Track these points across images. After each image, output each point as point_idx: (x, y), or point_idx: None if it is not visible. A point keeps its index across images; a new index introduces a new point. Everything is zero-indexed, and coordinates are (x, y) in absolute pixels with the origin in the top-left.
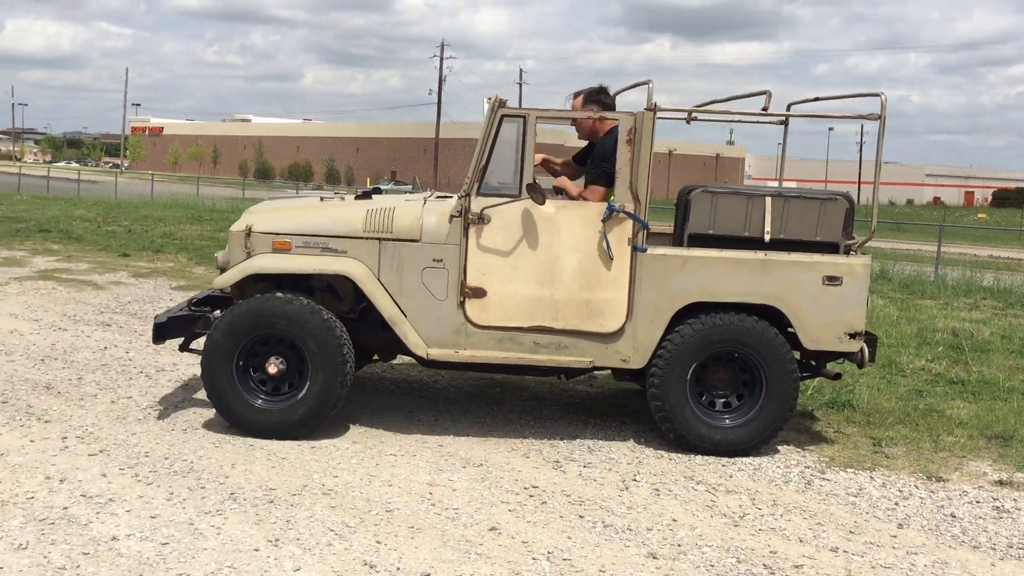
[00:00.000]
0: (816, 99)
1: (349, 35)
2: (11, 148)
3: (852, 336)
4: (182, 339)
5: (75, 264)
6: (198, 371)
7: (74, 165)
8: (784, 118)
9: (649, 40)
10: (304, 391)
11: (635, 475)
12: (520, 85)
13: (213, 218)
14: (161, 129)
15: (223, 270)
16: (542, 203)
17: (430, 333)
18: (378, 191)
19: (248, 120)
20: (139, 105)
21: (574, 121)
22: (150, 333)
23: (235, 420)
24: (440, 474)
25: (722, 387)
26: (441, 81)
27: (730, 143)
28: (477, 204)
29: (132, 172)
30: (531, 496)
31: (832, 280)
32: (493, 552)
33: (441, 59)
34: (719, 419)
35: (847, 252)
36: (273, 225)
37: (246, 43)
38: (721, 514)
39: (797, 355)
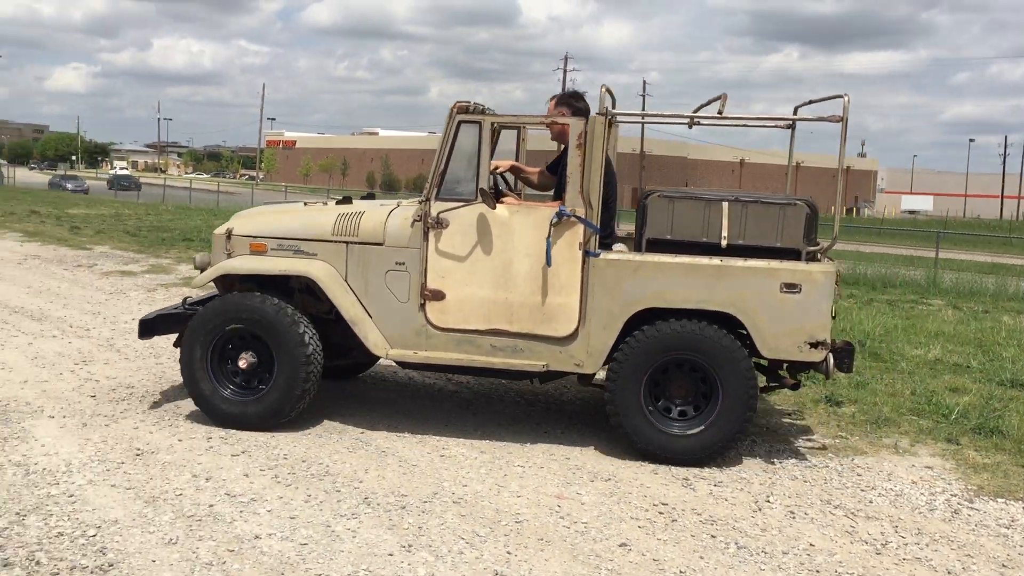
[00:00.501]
0: (808, 103)
1: (474, 49)
2: (156, 161)
3: (814, 346)
4: (176, 336)
5: None
6: (331, 380)
7: (203, 176)
8: (791, 123)
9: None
10: (269, 385)
11: (768, 496)
12: (643, 97)
13: None
14: (294, 142)
15: (203, 270)
16: (493, 208)
17: (392, 333)
18: (371, 196)
19: (376, 133)
20: (274, 119)
21: (549, 126)
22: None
23: (205, 407)
24: (568, 487)
25: (682, 395)
26: None
27: (861, 155)
28: (436, 208)
29: (266, 184)
30: (660, 513)
31: (790, 287)
32: (624, 568)
33: (564, 71)
34: (670, 426)
35: (812, 259)
36: (251, 229)
37: (375, 58)
38: (862, 541)
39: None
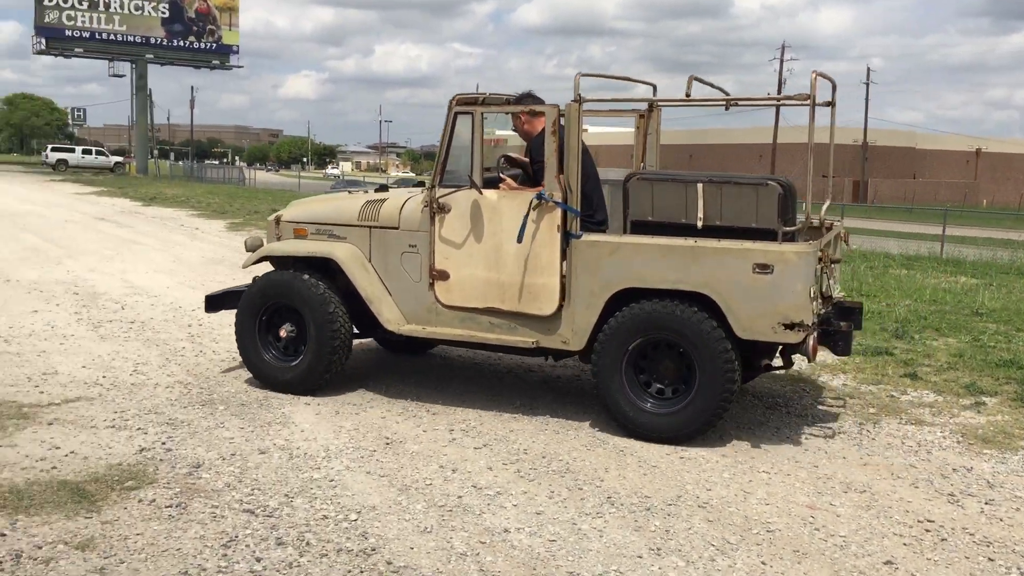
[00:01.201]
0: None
1: (683, 42)
2: (378, 161)
3: (789, 327)
4: (206, 304)
5: None
6: (571, 374)
7: (411, 174)
8: (726, 104)
9: (1017, 30)
10: (302, 355)
11: None
12: (867, 85)
13: None
14: (505, 140)
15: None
16: (480, 192)
17: (408, 311)
18: (384, 188)
19: (585, 130)
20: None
21: (516, 125)
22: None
23: (253, 369)
24: (820, 497)
25: (669, 375)
26: (781, 84)
27: None
28: (439, 194)
29: None
30: (927, 531)
31: (763, 268)
32: None
33: (781, 61)
34: (649, 404)
35: (790, 239)
36: (295, 215)
37: (584, 55)
38: None
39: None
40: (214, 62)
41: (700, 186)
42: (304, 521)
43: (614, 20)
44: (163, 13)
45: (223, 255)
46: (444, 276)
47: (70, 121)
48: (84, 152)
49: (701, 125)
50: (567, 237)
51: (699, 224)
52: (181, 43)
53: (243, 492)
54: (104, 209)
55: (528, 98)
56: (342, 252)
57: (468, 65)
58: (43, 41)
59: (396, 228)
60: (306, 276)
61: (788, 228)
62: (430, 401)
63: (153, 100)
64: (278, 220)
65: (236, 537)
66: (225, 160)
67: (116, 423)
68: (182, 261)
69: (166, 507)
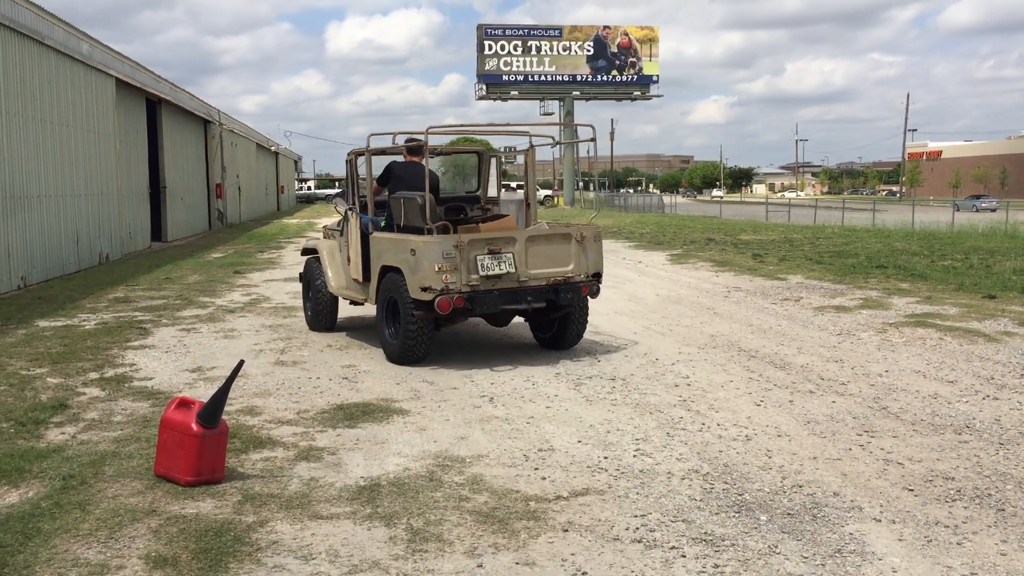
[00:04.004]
0: None
1: None
2: (793, 182)
3: (424, 289)
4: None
5: (939, 307)
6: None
7: (799, 195)
8: (555, 141)
9: None
10: (308, 300)
11: None
12: None
13: None
14: (939, 153)
15: None
16: (352, 214)
17: (342, 282)
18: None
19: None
20: (915, 130)
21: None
22: None
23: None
24: None
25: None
26: None
27: None
28: (346, 214)
29: (908, 199)
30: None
31: (412, 252)
32: None
33: None
34: (391, 335)
35: (429, 232)
36: (326, 224)
37: None
38: None
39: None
40: (635, 93)
41: (402, 201)
42: None
43: None
44: (588, 51)
45: (679, 294)
46: (349, 261)
47: (503, 160)
48: (518, 187)
49: None
50: (365, 236)
51: (402, 224)
52: (604, 78)
53: None
54: None
55: (407, 142)
56: (324, 246)
57: (888, 75)
58: (484, 87)
59: (341, 233)
60: (313, 258)
61: (429, 226)
62: None
63: (578, 134)
64: (324, 226)
65: None
66: (639, 188)
67: (641, 535)
68: (638, 300)
69: None
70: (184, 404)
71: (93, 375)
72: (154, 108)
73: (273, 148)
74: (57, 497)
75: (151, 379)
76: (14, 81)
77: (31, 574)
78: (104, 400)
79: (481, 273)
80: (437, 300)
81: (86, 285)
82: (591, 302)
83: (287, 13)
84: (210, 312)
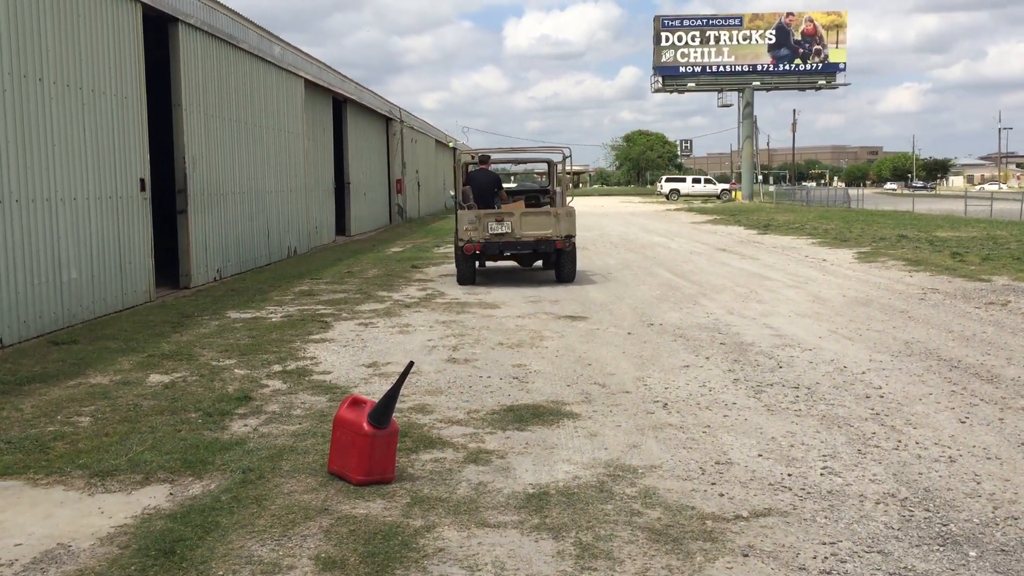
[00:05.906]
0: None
1: None
2: (995, 173)
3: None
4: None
5: None
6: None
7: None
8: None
9: None
10: None
11: None
12: None
13: None
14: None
15: None
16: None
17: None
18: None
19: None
20: None
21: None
22: None
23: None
24: None
25: None
26: None
27: None
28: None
29: None
30: None
31: (456, 219)
32: None
33: None
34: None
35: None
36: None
37: None
38: None
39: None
40: (820, 82)
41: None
42: None
43: None
44: (769, 40)
45: (868, 294)
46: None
47: (679, 152)
48: (694, 181)
49: None
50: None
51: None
52: (787, 67)
53: None
54: (722, 239)
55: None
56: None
57: None
58: (660, 80)
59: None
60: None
61: (464, 206)
62: None
63: (757, 126)
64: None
65: None
66: (823, 181)
67: (830, 565)
68: (823, 301)
69: None
70: (356, 403)
71: (276, 367)
72: (339, 107)
73: (451, 144)
74: (236, 491)
75: (329, 373)
76: (212, 84)
77: (207, 570)
78: (285, 393)
79: (490, 232)
80: (463, 246)
81: (274, 278)
82: None
83: (468, 12)
84: (387, 307)
